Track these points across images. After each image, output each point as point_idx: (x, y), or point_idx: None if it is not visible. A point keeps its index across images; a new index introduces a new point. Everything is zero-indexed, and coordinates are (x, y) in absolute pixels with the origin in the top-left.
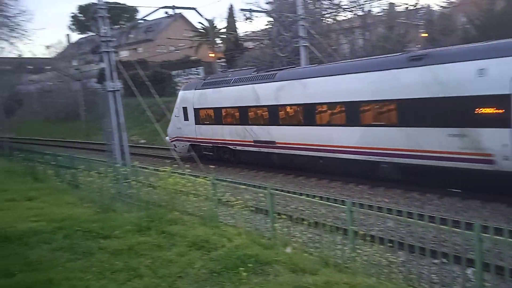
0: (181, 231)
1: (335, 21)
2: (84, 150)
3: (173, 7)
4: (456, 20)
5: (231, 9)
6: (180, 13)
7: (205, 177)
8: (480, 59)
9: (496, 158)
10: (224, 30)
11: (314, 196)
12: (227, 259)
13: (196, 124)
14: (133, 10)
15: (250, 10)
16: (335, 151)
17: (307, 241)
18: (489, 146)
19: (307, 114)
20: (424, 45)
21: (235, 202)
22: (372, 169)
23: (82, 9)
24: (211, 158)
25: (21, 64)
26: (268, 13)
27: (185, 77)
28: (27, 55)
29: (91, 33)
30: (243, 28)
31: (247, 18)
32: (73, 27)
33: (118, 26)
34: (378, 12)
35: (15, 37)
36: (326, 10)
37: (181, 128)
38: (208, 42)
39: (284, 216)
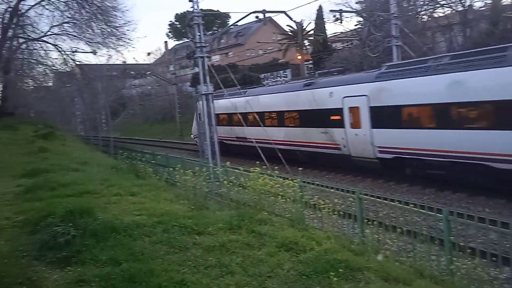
0: (270, 231)
1: (430, 18)
2: (177, 150)
3: (263, 11)
4: None
5: (320, 10)
6: (269, 17)
7: (293, 179)
8: (331, 87)
9: (340, 146)
10: (312, 32)
11: (407, 203)
12: (316, 262)
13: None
14: (225, 16)
15: (340, 11)
16: (272, 143)
17: (399, 249)
18: (337, 139)
19: (261, 118)
20: None
21: (323, 205)
22: (293, 154)
23: (179, 17)
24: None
25: (125, 70)
26: (358, 13)
27: (273, 79)
28: (130, 61)
29: (186, 40)
30: (331, 29)
31: (336, 19)
32: (170, 34)
33: (211, 32)
34: (481, 7)
35: (121, 45)
36: (421, 7)
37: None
38: (296, 44)
39: (374, 222)
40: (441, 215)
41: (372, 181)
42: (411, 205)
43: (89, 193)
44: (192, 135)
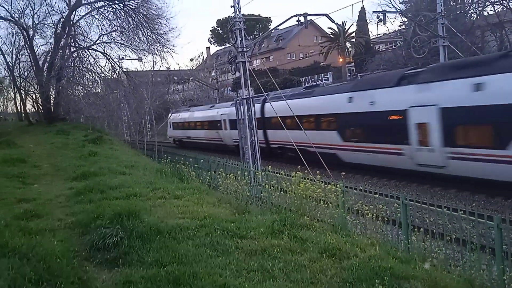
0: (312, 236)
1: (479, 17)
2: (218, 153)
3: (305, 15)
4: None
5: (362, 12)
6: (311, 20)
7: (335, 184)
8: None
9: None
10: (354, 34)
11: (455, 210)
12: (360, 269)
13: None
14: (266, 20)
15: (384, 12)
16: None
17: (447, 258)
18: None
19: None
20: None
21: (367, 211)
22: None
23: (221, 23)
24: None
25: (169, 76)
26: (403, 13)
27: (314, 83)
28: (174, 67)
29: (228, 45)
30: (374, 30)
31: (379, 20)
32: (212, 40)
33: (252, 37)
34: None
35: (165, 52)
36: (470, 5)
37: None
38: (338, 47)
39: (420, 229)
40: (492, 223)
41: (417, 186)
42: (460, 211)
43: (135, 196)
44: (168, 137)
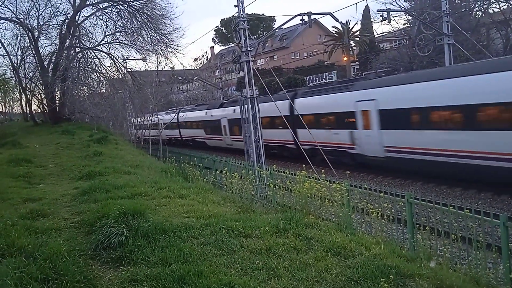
0: (317, 235)
1: (484, 14)
2: (224, 153)
3: (309, 14)
4: None
5: (366, 10)
6: (315, 19)
7: (340, 183)
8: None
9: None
10: (359, 33)
11: (461, 208)
12: (365, 268)
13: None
14: (270, 19)
15: (388, 10)
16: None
17: (453, 256)
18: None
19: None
20: None
21: (372, 210)
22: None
23: (225, 22)
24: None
25: (173, 76)
26: (407, 11)
27: (318, 82)
28: (178, 67)
29: (232, 45)
30: (379, 29)
31: (384, 19)
32: (216, 39)
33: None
34: None
35: (169, 52)
36: (475, 3)
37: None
38: (342, 45)
39: (425, 228)
40: (498, 221)
41: (422, 185)
42: (466, 210)
43: (140, 195)
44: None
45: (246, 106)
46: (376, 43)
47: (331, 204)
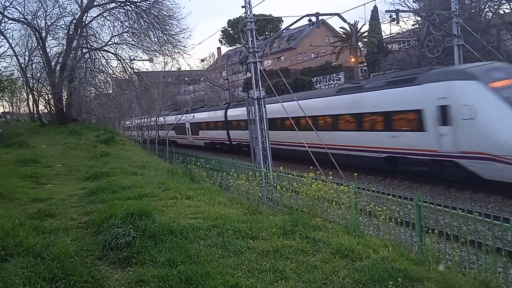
0: (324, 237)
1: (495, 15)
2: (229, 154)
3: (317, 14)
4: None
5: (375, 11)
6: (322, 19)
7: (347, 185)
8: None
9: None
10: (367, 34)
11: (470, 211)
12: (373, 270)
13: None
14: (277, 20)
15: (397, 11)
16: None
17: (462, 260)
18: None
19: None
20: None
21: (380, 212)
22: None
23: (232, 23)
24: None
25: (180, 77)
26: (416, 12)
27: (325, 83)
28: (185, 68)
29: (238, 45)
30: (387, 30)
31: (392, 19)
32: (223, 40)
33: (263, 37)
34: None
35: (176, 52)
36: (485, 4)
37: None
38: (350, 46)
39: (434, 231)
40: (508, 225)
41: (431, 188)
42: (475, 213)
43: (147, 196)
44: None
45: (253, 107)
46: (384, 44)
47: (338, 206)
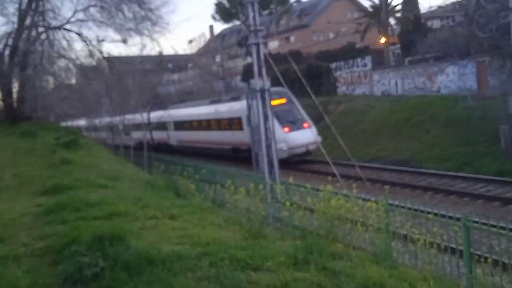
0: (347, 268)
1: None
2: (225, 161)
3: None
4: None
5: None
6: None
7: (376, 201)
8: None
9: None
10: (400, 7)
11: None
12: None
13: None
14: None
15: None
16: None
17: None
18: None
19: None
20: None
21: (418, 236)
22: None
23: None
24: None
25: (162, 63)
26: None
27: (347, 70)
28: (168, 52)
29: (237, 23)
30: (426, 2)
31: None
32: (217, 16)
33: (268, 12)
34: None
35: (157, 31)
36: None
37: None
38: (379, 24)
39: (487, 259)
40: None
41: (483, 204)
42: None
43: (120, 215)
44: None
45: (255, 101)
46: (422, 21)
47: (365, 228)
